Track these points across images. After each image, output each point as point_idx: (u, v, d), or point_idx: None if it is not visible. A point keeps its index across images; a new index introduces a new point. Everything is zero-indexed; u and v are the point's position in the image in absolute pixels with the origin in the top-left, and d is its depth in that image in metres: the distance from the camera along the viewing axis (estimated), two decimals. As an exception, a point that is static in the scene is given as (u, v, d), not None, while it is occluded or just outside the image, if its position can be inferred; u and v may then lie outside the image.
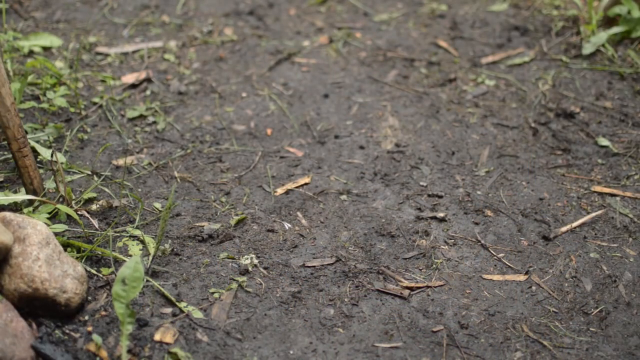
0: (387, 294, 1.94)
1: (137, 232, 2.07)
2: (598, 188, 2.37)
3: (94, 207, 2.16)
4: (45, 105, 2.58)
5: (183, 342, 1.76)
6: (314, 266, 2.02)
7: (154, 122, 2.63)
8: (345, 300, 1.92)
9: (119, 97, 2.76)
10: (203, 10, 3.53)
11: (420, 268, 2.04)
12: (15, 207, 2.07)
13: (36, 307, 1.77)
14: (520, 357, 1.77)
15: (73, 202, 2.14)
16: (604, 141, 2.60)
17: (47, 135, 2.44)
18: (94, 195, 2.21)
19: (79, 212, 2.11)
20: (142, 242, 2.06)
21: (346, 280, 1.98)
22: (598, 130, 2.68)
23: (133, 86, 2.85)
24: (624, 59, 3.11)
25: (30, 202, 2.07)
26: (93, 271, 1.93)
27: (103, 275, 1.93)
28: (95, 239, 2.04)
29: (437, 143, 2.60)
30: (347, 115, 2.75)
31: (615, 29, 3.17)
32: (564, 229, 2.19)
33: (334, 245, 2.11)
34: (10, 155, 2.30)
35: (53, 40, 3.02)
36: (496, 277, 2.02)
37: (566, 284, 2.00)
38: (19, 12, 3.34)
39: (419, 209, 2.27)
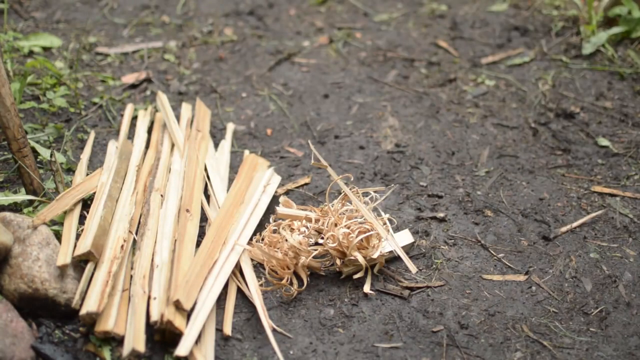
0: (387, 294, 1.94)
1: (137, 232, 2.07)
2: (598, 188, 2.37)
3: (94, 207, 2.16)
4: (45, 106, 2.58)
5: (183, 342, 1.76)
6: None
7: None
8: (345, 300, 1.92)
9: (119, 97, 2.76)
10: (203, 10, 3.53)
11: (420, 268, 2.04)
12: (15, 207, 2.08)
13: (36, 307, 1.77)
14: (520, 357, 1.78)
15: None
16: (604, 141, 2.60)
17: (47, 136, 2.44)
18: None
19: (79, 212, 2.11)
20: (142, 242, 2.06)
21: (346, 280, 1.98)
22: (598, 130, 2.68)
23: (133, 86, 2.85)
24: (624, 59, 3.11)
25: (30, 202, 2.08)
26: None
27: (103, 275, 1.92)
28: (95, 239, 2.04)
29: (437, 143, 2.60)
30: (347, 115, 2.75)
31: (615, 29, 3.17)
32: (564, 229, 2.19)
33: (334, 246, 2.10)
34: (10, 156, 2.30)
35: (53, 40, 3.03)
36: (496, 277, 2.02)
37: (566, 284, 2.00)
38: (19, 12, 3.34)
39: (419, 209, 2.27)
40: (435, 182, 2.40)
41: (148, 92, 2.81)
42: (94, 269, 1.81)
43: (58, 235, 1.94)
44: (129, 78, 2.90)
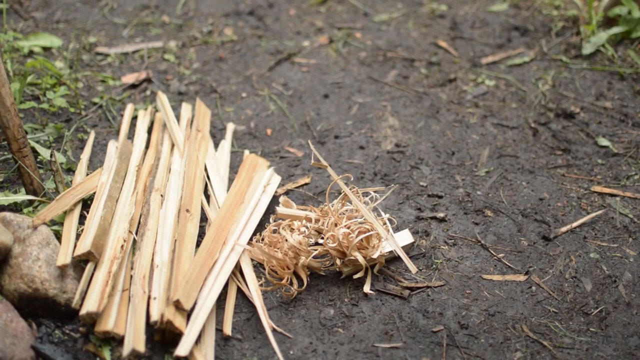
0: (387, 294, 1.94)
1: (137, 232, 2.07)
2: (598, 188, 2.37)
3: (94, 207, 2.16)
4: (45, 106, 2.58)
5: (183, 342, 1.76)
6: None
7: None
8: (345, 300, 1.92)
9: (119, 97, 2.76)
10: (203, 10, 3.53)
11: (420, 268, 2.04)
12: (15, 207, 2.08)
13: (36, 307, 1.77)
14: (520, 357, 1.78)
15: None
16: (604, 141, 2.60)
17: (47, 136, 2.44)
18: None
19: (79, 212, 2.11)
20: (142, 242, 2.06)
21: (346, 280, 1.98)
22: (598, 130, 2.68)
23: (133, 86, 2.85)
24: (624, 59, 3.11)
25: (30, 202, 2.08)
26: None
27: (103, 275, 1.92)
28: (95, 239, 2.04)
29: (437, 143, 2.60)
30: (347, 115, 2.76)
31: (615, 29, 3.17)
32: (564, 229, 2.19)
33: (334, 246, 2.11)
34: (10, 156, 2.30)
35: (53, 40, 3.03)
36: (496, 277, 2.02)
37: (566, 284, 2.00)
38: (19, 12, 3.34)
39: (419, 209, 2.27)
40: (435, 182, 2.40)
41: (148, 92, 2.81)
42: (94, 269, 1.81)
43: (58, 235, 1.94)
44: (129, 78, 2.90)
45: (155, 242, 1.92)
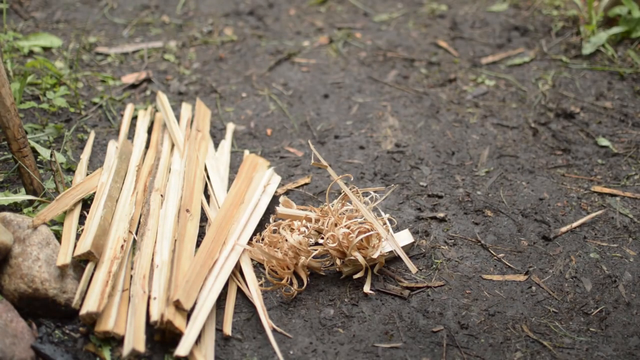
0: (387, 294, 1.94)
1: (137, 232, 2.07)
2: (598, 188, 2.37)
3: (94, 207, 2.16)
4: (45, 106, 2.58)
5: (183, 342, 1.76)
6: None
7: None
8: (345, 300, 1.92)
9: (119, 97, 2.76)
10: (203, 10, 3.53)
11: (420, 268, 2.04)
12: (15, 207, 2.08)
13: (36, 307, 1.77)
14: (520, 357, 1.78)
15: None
16: (604, 141, 2.60)
17: (47, 136, 2.44)
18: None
19: (79, 212, 2.11)
20: (142, 242, 2.06)
21: (346, 280, 1.98)
22: (598, 130, 2.68)
23: (133, 86, 2.85)
24: (624, 59, 3.11)
25: (30, 202, 2.08)
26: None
27: (103, 275, 1.92)
28: (95, 239, 2.04)
29: (437, 143, 2.60)
30: (347, 115, 2.75)
31: (615, 29, 3.17)
32: (564, 229, 2.19)
33: (334, 246, 2.10)
34: (10, 156, 2.30)
35: (53, 40, 3.03)
36: (496, 277, 2.02)
37: (566, 284, 2.00)
38: (19, 12, 3.34)
39: (419, 209, 2.27)
40: (435, 182, 2.40)
41: (148, 92, 2.81)
42: (94, 269, 1.81)
43: (58, 235, 1.94)
44: (129, 78, 2.90)
45: (155, 242, 1.92)
